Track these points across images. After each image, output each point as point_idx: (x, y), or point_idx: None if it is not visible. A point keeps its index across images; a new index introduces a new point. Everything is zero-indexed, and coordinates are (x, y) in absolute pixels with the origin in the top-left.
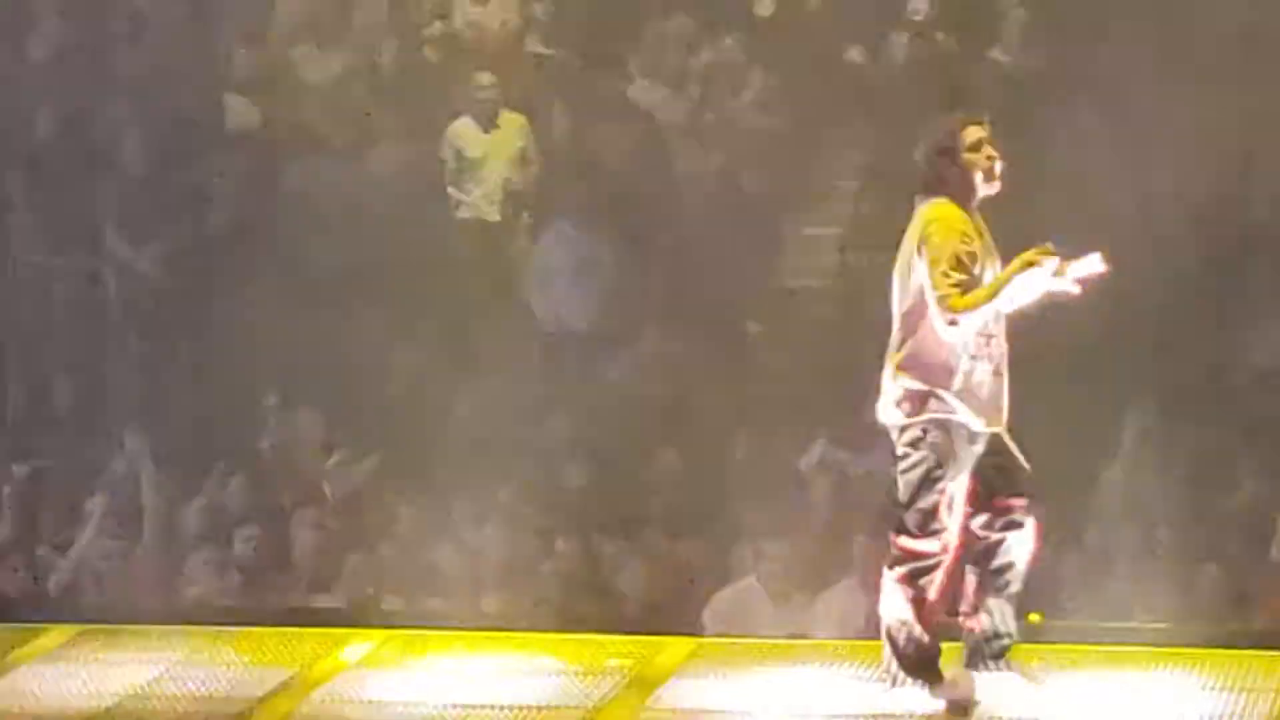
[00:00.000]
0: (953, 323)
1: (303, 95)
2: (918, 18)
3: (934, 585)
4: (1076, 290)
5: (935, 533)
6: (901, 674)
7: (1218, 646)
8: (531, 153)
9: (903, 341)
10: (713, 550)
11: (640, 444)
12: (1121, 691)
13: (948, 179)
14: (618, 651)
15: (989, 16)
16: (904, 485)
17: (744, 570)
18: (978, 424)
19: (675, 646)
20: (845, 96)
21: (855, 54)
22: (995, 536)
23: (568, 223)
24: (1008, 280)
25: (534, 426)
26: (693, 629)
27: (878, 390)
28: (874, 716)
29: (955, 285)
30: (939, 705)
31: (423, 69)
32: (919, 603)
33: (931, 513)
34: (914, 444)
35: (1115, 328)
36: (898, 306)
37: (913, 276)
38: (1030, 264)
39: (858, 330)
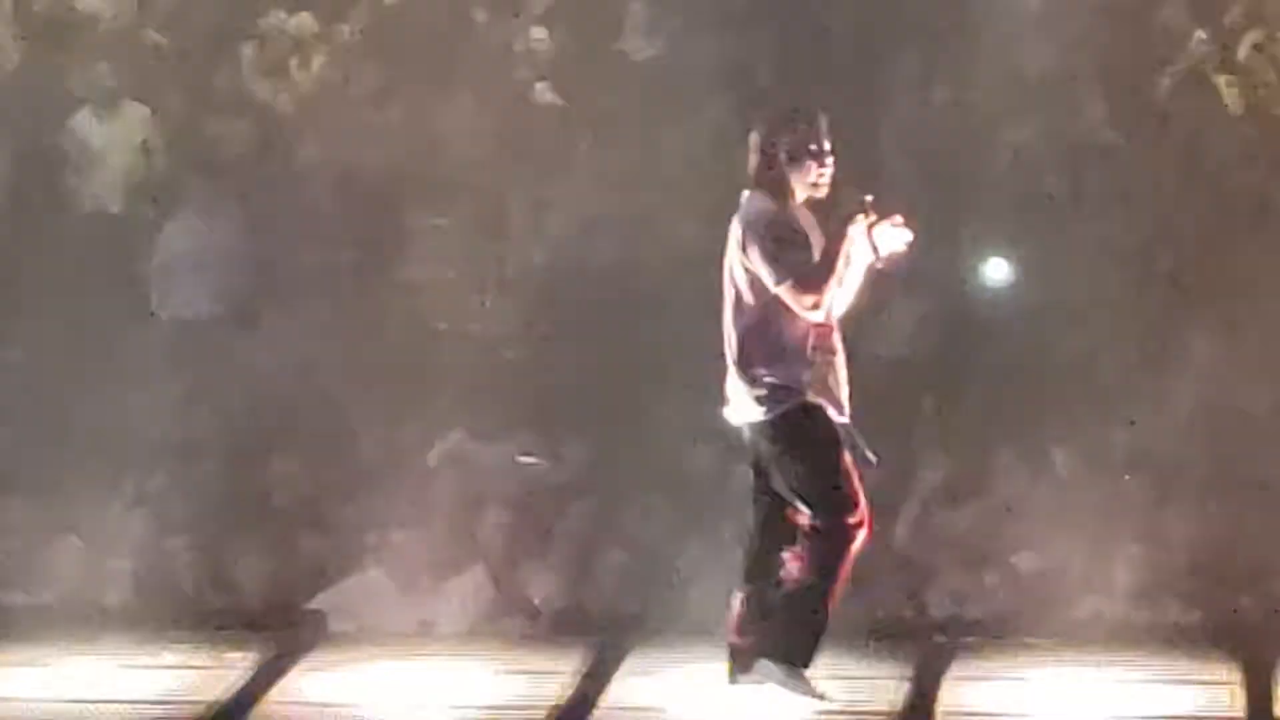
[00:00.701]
0: (815, 305)
1: None
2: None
3: (849, 560)
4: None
5: (849, 509)
6: (790, 647)
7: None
8: (153, 143)
9: (747, 338)
10: (339, 542)
11: (265, 436)
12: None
13: (775, 173)
14: (241, 645)
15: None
16: (795, 481)
17: (369, 562)
18: (839, 415)
19: (299, 639)
20: (468, 88)
21: (477, 44)
22: (782, 554)
23: (191, 214)
24: (841, 243)
25: (157, 420)
26: (319, 622)
27: (721, 388)
28: (497, 708)
29: (796, 269)
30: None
31: (39, 58)
32: (831, 577)
33: (836, 490)
34: (786, 436)
35: None
36: (733, 305)
37: (742, 273)
38: (854, 218)
39: (488, 322)
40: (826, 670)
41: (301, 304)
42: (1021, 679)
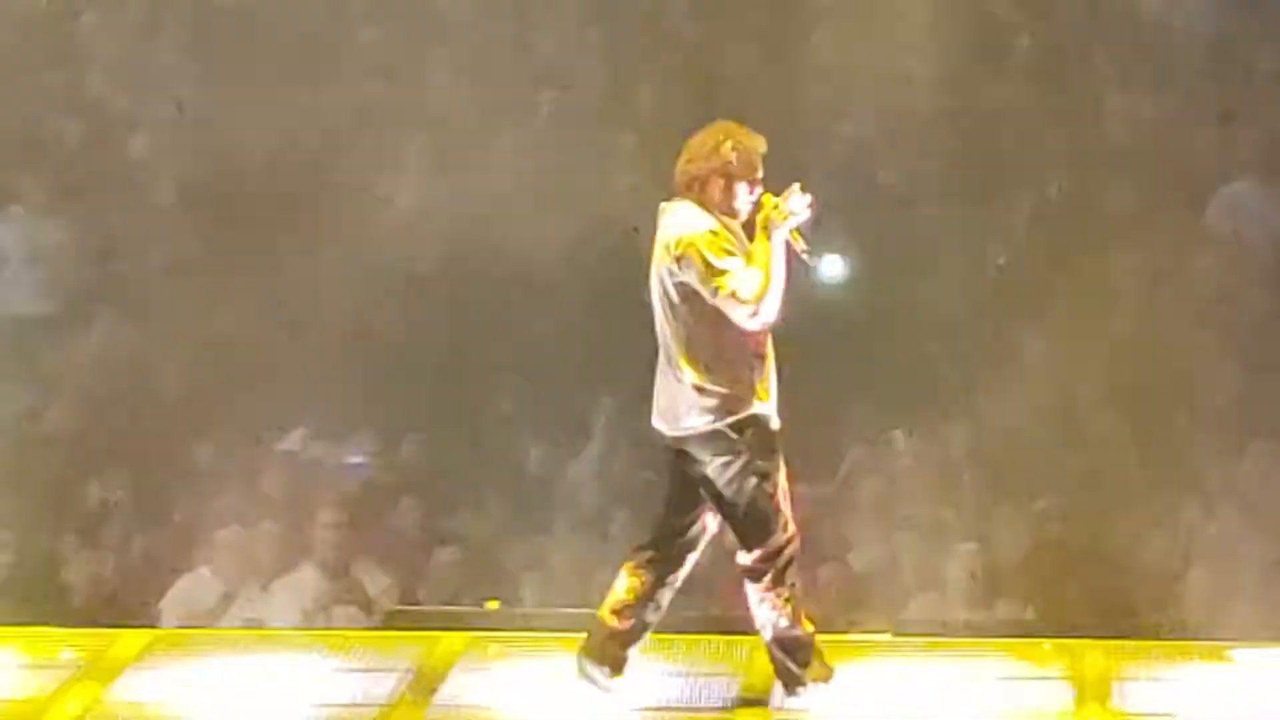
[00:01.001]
0: (754, 314)
1: None
2: None
3: (797, 575)
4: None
5: (781, 526)
6: (801, 677)
7: (677, 632)
8: None
9: (687, 347)
10: (170, 541)
11: (96, 434)
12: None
13: (711, 186)
14: (71, 644)
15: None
16: (736, 494)
17: (201, 560)
18: (775, 421)
19: (131, 638)
20: (266, 87)
21: (274, 46)
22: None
23: (19, 209)
24: (768, 247)
25: None
26: (149, 620)
27: (647, 397)
28: (331, 706)
29: (733, 279)
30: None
31: None
32: (792, 600)
33: (772, 511)
34: (732, 449)
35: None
36: (668, 315)
37: (675, 281)
38: (773, 221)
39: (327, 321)
40: (663, 668)
41: (137, 301)
42: (855, 675)
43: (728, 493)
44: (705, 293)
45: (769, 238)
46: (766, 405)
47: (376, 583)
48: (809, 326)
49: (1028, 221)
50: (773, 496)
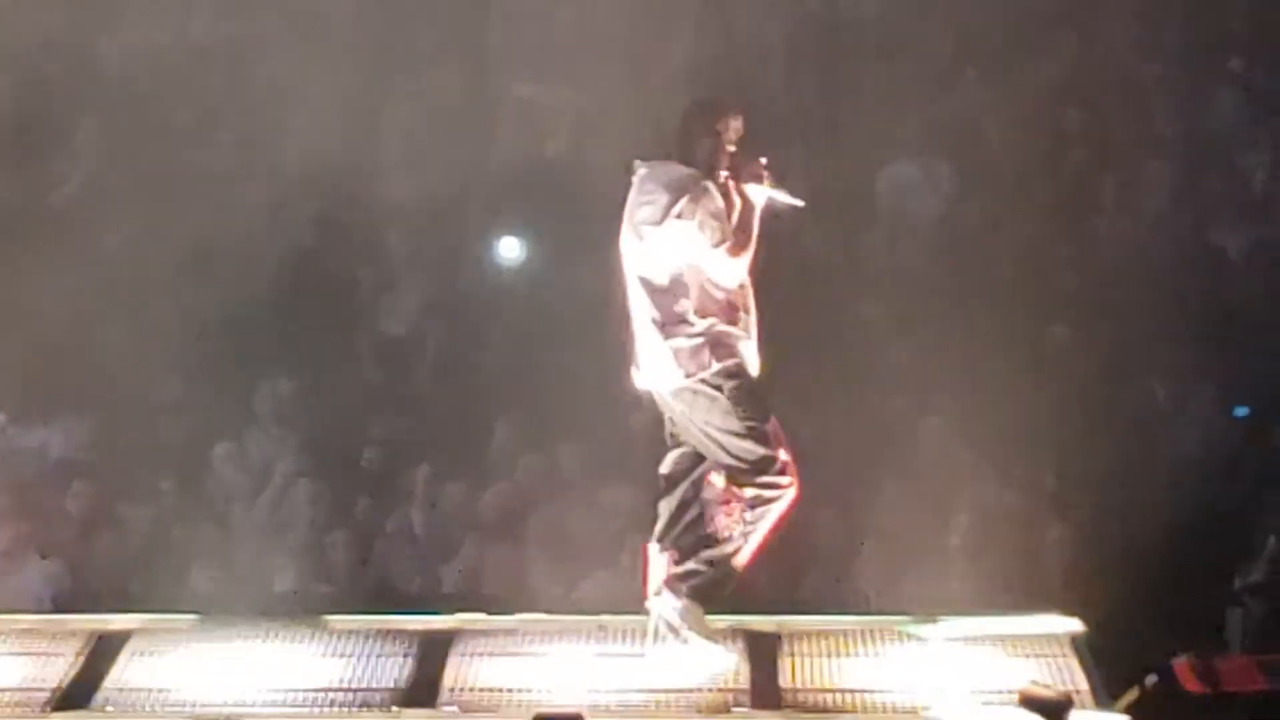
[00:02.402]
0: (742, 269)
1: None
2: None
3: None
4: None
5: (781, 469)
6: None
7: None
8: None
9: (675, 301)
10: None
11: None
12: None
13: (712, 154)
14: None
15: None
16: (732, 441)
17: None
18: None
19: None
20: None
21: None
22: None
23: None
24: (751, 210)
25: None
26: None
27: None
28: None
29: (732, 234)
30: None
31: None
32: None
33: (770, 453)
34: (720, 391)
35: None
36: (651, 270)
37: (671, 239)
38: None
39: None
40: (332, 648)
41: None
42: (533, 654)
43: (724, 441)
44: (708, 236)
45: (750, 197)
46: (750, 356)
47: (48, 566)
48: (478, 313)
49: None
50: (769, 442)
